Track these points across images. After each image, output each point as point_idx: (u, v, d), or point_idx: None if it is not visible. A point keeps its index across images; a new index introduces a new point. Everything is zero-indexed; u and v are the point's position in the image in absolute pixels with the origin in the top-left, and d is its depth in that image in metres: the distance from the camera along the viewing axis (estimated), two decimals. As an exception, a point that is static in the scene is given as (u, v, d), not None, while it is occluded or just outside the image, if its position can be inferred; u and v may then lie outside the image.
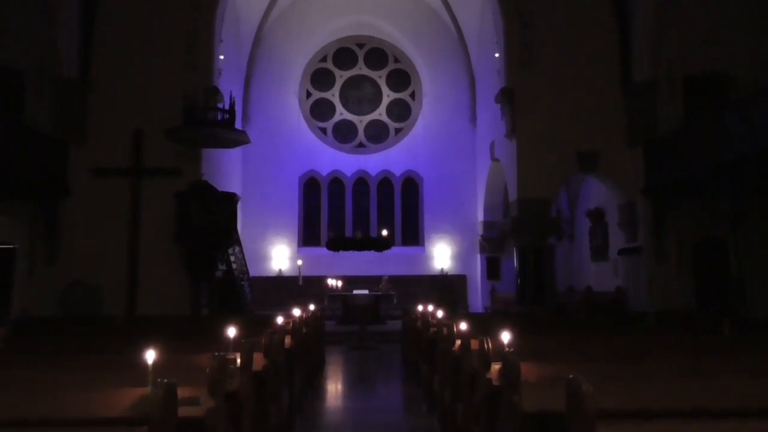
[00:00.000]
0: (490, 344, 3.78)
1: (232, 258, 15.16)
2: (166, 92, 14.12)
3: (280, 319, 6.64)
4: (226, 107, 13.58)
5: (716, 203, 12.10)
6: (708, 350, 5.09)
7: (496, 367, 3.87)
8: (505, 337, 3.76)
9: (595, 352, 5.27)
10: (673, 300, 13.60)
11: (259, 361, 4.60)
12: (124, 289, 13.84)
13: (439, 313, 8.09)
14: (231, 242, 14.14)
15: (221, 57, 16.34)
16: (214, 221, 13.03)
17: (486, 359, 3.76)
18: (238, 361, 3.73)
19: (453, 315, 9.73)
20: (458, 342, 5.35)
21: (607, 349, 5.34)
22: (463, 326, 5.26)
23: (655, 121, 14.52)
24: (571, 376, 2.34)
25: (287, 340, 6.09)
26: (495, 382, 3.66)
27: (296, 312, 7.88)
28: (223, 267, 14.30)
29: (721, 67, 14.37)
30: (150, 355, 2.98)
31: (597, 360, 4.69)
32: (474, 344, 4.81)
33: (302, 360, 7.14)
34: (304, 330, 7.50)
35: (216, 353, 2.94)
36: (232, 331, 4.31)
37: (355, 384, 10.00)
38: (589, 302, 15.22)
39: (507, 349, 3.45)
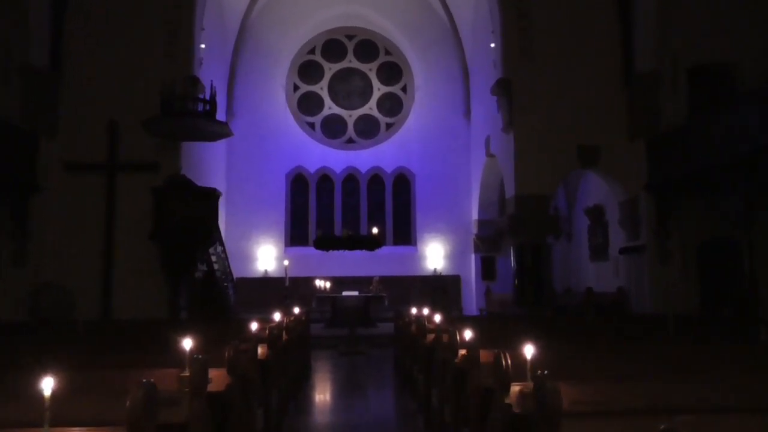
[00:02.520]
0: (509, 360, 3.00)
1: (214, 258, 14.33)
2: (144, 82, 13.33)
3: (254, 326, 5.83)
4: (208, 98, 12.79)
5: (721, 201, 11.48)
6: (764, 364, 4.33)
7: (515, 388, 3.10)
8: (528, 351, 2.99)
9: (621, 365, 4.50)
10: (678, 301, 12.93)
11: (223, 379, 3.81)
12: (99, 291, 13.02)
13: (437, 317, 7.30)
14: (212, 240, 13.31)
15: (202, 46, 15.47)
16: (192, 217, 12.22)
17: (504, 379, 2.99)
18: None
19: (448, 317, 8.98)
20: (462, 352, 4.57)
21: (637, 361, 4.57)
22: (469, 334, 4.47)
23: (658, 114, 13.91)
24: (662, 426, 1.58)
25: (261, 350, 5.28)
26: (516, 409, 2.89)
27: (277, 316, 7.07)
28: (203, 267, 13.47)
29: (725, 57, 13.73)
30: (47, 385, 2.13)
31: (631, 377, 3.93)
32: (483, 356, 4.04)
33: (282, 371, 6.33)
34: (284, 337, 6.69)
35: (145, 380, 2.13)
36: (187, 343, 3.51)
37: (343, 395, 9.20)
38: (591, 303, 14.52)
39: (535, 370, 2.67)
